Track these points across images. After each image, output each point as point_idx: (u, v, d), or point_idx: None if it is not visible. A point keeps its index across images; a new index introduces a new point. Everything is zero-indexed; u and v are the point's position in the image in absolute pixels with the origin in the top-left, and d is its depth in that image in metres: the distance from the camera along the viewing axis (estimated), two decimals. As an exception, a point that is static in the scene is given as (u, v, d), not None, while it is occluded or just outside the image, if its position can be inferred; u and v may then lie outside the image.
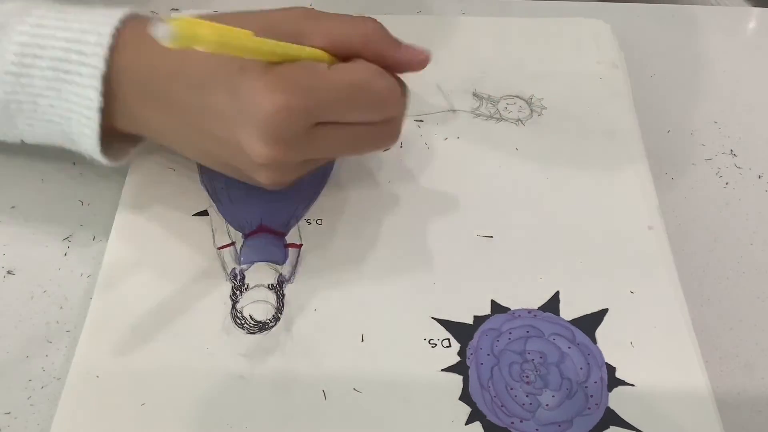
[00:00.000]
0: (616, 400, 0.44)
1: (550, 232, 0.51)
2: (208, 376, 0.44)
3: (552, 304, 0.48)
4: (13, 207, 0.53)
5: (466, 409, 0.43)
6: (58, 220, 0.52)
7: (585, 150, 0.56)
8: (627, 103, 0.59)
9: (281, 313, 0.47)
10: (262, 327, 0.46)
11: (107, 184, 0.54)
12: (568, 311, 0.47)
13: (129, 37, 0.46)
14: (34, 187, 0.54)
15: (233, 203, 0.52)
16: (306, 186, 0.53)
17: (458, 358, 0.45)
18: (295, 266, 0.49)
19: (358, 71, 0.44)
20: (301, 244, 0.50)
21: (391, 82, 0.46)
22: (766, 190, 0.56)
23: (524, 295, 0.48)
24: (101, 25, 0.46)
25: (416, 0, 0.68)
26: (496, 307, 0.47)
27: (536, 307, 0.48)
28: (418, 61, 0.47)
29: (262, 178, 0.46)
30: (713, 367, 0.46)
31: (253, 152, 0.44)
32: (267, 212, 0.51)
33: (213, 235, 0.50)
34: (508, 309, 0.47)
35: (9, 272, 0.50)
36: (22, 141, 0.51)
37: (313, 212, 0.52)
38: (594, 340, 0.46)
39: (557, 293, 0.48)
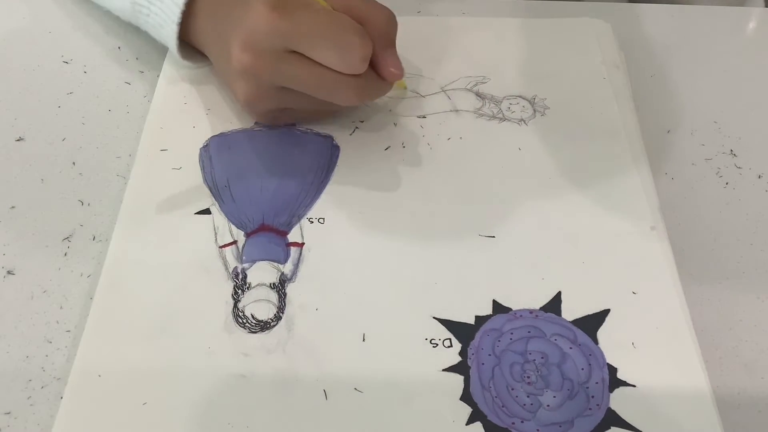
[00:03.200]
0: (618, 400, 0.44)
1: (552, 232, 0.51)
2: (209, 376, 0.44)
3: (554, 305, 0.47)
4: (13, 207, 0.53)
5: (467, 409, 0.43)
6: (58, 220, 0.52)
7: (587, 150, 0.56)
8: (628, 104, 0.59)
9: (283, 313, 0.47)
10: (263, 326, 0.46)
11: (107, 184, 0.54)
12: (570, 312, 0.47)
13: None
14: (34, 187, 0.54)
15: (235, 202, 0.52)
16: (308, 185, 0.53)
17: (459, 358, 0.45)
18: (296, 265, 0.49)
19: (344, 20, 0.50)
20: (303, 243, 0.50)
21: (366, 43, 0.49)
22: (766, 190, 0.56)
23: (526, 296, 0.48)
24: None
25: (416, 0, 0.68)
26: (498, 307, 0.47)
27: (538, 308, 0.47)
28: (390, 72, 0.52)
29: (238, 89, 0.53)
30: (713, 367, 0.46)
31: (233, 55, 0.51)
32: (269, 211, 0.51)
33: (215, 233, 0.50)
34: (510, 309, 0.47)
35: (9, 272, 0.50)
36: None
37: (315, 211, 0.52)
38: (595, 341, 0.46)
39: (559, 293, 0.48)
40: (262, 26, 0.49)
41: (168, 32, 0.57)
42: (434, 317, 0.47)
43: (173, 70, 0.61)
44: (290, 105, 0.54)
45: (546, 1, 0.68)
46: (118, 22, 0.65)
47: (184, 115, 0.58)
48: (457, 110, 0.59)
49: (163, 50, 0.62)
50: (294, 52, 0.49)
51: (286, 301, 0.47)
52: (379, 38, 0.51)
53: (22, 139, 0.57)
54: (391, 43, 0.52)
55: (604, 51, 0.62)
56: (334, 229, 0.51)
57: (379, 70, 0.52)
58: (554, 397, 0.44)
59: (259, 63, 0.50)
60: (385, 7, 0.53)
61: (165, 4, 0.56)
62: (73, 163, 0.55)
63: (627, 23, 0.66)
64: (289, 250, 0.50)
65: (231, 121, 0.57)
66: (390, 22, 0.52)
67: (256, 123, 0.56)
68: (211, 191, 0.53)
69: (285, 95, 0.52)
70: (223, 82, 0.59)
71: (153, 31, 0.59)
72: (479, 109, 0.58)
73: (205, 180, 0.53)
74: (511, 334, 0.46)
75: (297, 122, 0.57)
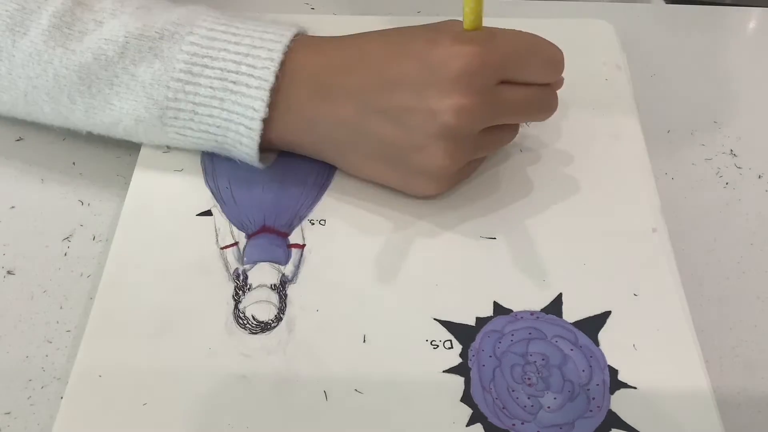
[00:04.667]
0: (619, 402, 0.44)
1: (553, 233, 0.51)
2: (209, 376, 0.44)
3: (555, 306, 0.47)
4: (12, 207, 0.53)
5: (468, 411, 0.43)
6: (58, 220, 0.52)
7: (589, 152, 0.56)
8: (630, 105, 0.59)
9: (283, 314, 0.47)
10: (264, 327, 0.46)
11: (107, 184, 0.54)
12: (571, 313, 0.47)
13: (298, 47, 0.50)
14: (34, 187, 0.54)
15: (237, 203, 0.52)
16: (309, 186, 0.53)
17: (460, 360, 0.45)
18: (297, 266, 0.49)
19: (529, 34, 0.49)
20: (304, 245, 0.50)
21: (556, 46, 0.49)
22: (766, 190, 0.56)
23: (527, 297, 0.48)
24: (272, 42, 0.49)
25: (416, 0, 0.68)
26: (499, 309, 0.47)
27: (539, 309, 0.47)
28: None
29: (435, 154, 0.48)
30: (713, 367, 0.46)
31: (444, 105, 0.46)
32: (270, 212, 0.51)
33: (216, 234, 0.50)
34: (511, 311, 0.47)
35: (9, 272, 0.50)
36: (167, 146, 0.54)
37: (316, 213, 0.52)
38: (597, 343, 0.46)
39: (560, 295, 0.48)
40: (473, 64, 0.46)
41: (237, 135, 0.50)
42: (435, 318, 0.47)
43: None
44: (487, 148, 0.52)
45: (547, 1, 0.68)
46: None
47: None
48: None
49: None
50: (503, 81, 0.48)
51: (287, 302, 0.47)
52: None
53: (22, 139, 0.57)
54: None
55: (607, 52, 0.62)
56: (335, 230, 0.51)
57: None
58: (555, 398, 0.44)
59: (480, 103, 0.47)
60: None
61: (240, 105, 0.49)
62: (73, 163, 0.55)
63: (627, 23, 0.66)
64: (290, 251, 0.50)
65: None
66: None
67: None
68: (212, 193, 0.52)
69: (485, 138, 0.50)
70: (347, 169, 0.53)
71: (192, 137, 0.52)
72: None
73: (207, 181, 0.53)
74: (512, 335, 0.46)
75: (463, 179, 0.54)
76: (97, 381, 0.44)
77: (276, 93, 0.48)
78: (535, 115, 0.52)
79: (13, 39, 0.49)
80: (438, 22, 0.50)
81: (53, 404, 0.44)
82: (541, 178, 0.54)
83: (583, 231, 0.51)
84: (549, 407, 0.44)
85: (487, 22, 0.49)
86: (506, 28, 0.49)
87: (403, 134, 0.48)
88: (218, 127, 0.50)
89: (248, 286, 0.48)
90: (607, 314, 0.47)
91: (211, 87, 0.49)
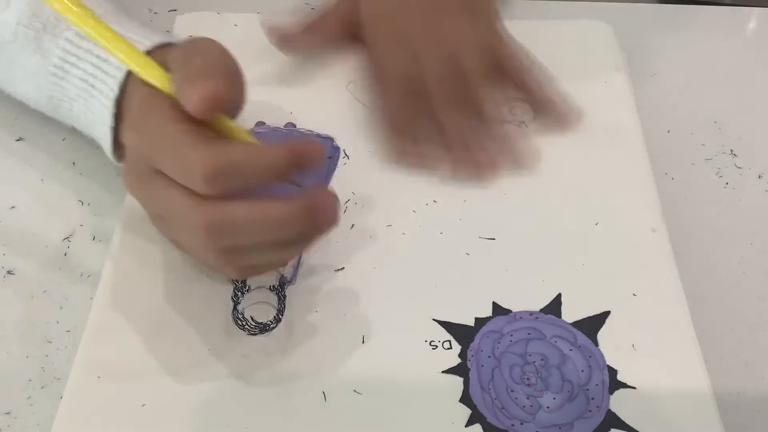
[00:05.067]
0: (618, 402, 0.44)
1: (552, 234, 0.51)
2: (208, 377, 0.44)
3: (554, 306, 0.47)
4: (13, 207, 0.53)
5: (467, 411, 0.43)
6: (58, 220, 0.53)
7: (589, 152, 0.56)
8: (630, 106, 0.59)
9: (282, 315, 0.47)
10: (263, 328, 0.46)
11: (107, 184, 0.54)
12: (570, 313, 0.47)
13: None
14: (34, 187, 0.54)
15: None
16: (308, 186, 0.52)
17: (459, 360, 0.45)
18: (296, 268, 0.49)
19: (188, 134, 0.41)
20: (303, 246, 0.50)
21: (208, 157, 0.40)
22: (766, 190, 0.56)
23: (526, 297, 0.48)
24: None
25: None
26: (498, 309, 0.47)
27: (538, 309, 0.47)
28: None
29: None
30: (713, 367, 0.46)
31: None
32: (268, 213, 0.51)
33: (215, 235, 0.50)
34: (510, 311, 0.47)
35: (9, 272, 0.50)
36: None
37: (314, 213, 0.51)
38: (596, 343, 0.46)
39: (559, 295, 0.48)
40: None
41: (99, 134, 0.49)
42: (434, 319, 0.47)
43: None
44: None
45: (547, 2, 0.68)
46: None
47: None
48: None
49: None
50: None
51: (286, 303, 0.47)
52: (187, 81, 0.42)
53: (22, 139, 0.57)
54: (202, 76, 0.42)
55: (606, 53, 0.62)
56: (333, 231, 0.50)
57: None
58: (554, 398, 0.44)
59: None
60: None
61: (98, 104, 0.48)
62: (73, 163, 0.55)
63: (627, 23, 0.66)
64: (289, 252, 0.49)
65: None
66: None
67: (256, 125, 0.56)
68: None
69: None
70: None
71: (78, 125, 0.52)
72: None
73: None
74: (511, 335, 0.46)
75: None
76: (96, 382, 0.44)
77: (124, 103, 0.46)
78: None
79: None
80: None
81: (53, 404, 0.44)
82: (542, 178, 0.54)
83: (582, 231, 0.51)
84: (548, 407, 0.44)
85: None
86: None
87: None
88: (90, 125, 0.50)
89: (247, 288, 0.48)
90: (606, 314, 0.47)
91: (76, 86, 0.49)
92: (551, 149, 0.56)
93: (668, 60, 0.65)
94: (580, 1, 0.69)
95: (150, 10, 0.67)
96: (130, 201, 0.51)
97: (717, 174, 0.57)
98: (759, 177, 0.57)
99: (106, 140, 0.48)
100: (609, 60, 0.62)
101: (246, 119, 0.57)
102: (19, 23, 0.50)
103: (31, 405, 0.44)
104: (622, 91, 0.60)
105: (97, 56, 0.48)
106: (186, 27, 0.62)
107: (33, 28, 0.49)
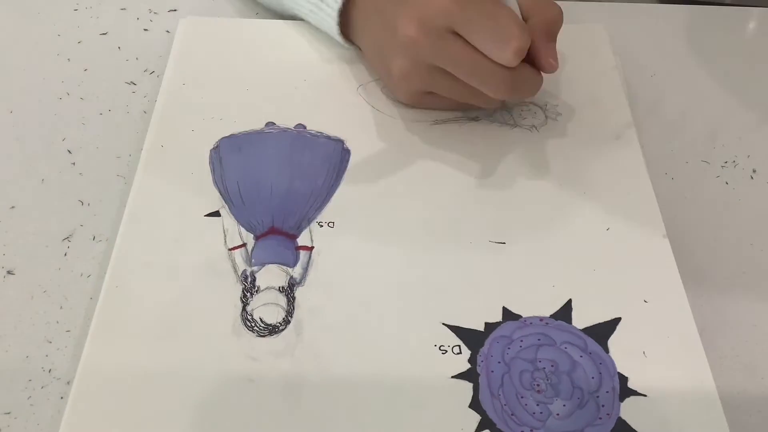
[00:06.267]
0: (628, 410, 0.43)
1: (562, 239, 0.51)
2: (216, 379, 0.44)
3: (564, 312, 0.47)
4: (12, 207, 0.52)
5: (476, 417, 0.43)
6: (58, 220, 0.52)
7: (598, 157, 0.56)
8: (623, 107, 0.59)
9: (291, 316, 0.46)
10: (272, 330, 0.45)
11: (107, 184, 0.54)
12: (581, 320, 0.47)
13: None
14: (34, 187, 0.54)
15: (245, 204, 0.51)
16: (318, 188, 0.52)
17: (469, 365, 0.45)
18: (306, 269, 0.48)
19: (507, 12, 0.50)
20: (313, 247, 0.49)
21: (523, 37, 0.50)
22: (766, 191, 0.56)
23: (536, 303, 0.48)
24: None
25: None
26: (508, 314, 0.47)
27: (548, 315, 0.47)
28: (549, 63, 0.53)
29: (395, 63, 0.54)
30: (713, 367, 0.45)
31: (399, 27, 0.52)
32: (278, 214, 0.51)
33: (224, 236, 0.50)
34: (520, 316, 0.47)
35: (9, 272, 0.49)
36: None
37: (324, 215, 0.51)
38: (606, 350, 0.46)
39: (570, 301, 0.48)
40: (434, 3, 0.51)
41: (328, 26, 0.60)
42: (443, 323, 0.46)
43: (179, 70, 0.60)
44: (441, 90, 0.55)
45: None
46: (118, 22, 0.65)
47: (191, 115, 0.57)
48: (469, 117, 0.58)
49: (164, 50, 0.62)
50: (457, 34, 0.51)
51: (295, 304, 0.47)
52: (543, 32, 0.52)
53: (22, 138, 0.56)
54: (553, 38, 0.53)
55: (600, 56, 0.62)
56: (343, 233, 0.50)
57: (538, 60, 0.53)
58: (564, 405, 0.44)
59: (423, 37, 0.51)
60: (554, 3, 0.54)
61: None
62: (73, 163, 0.55)
63: (627, 23, 0.67)
64: (299, 253, 0.49)
65: (241, 122, 0.56)
66: (556, 18, 0.53)
67: (266, 125, 0.56)
68: (220, 193, 0.52)
69: (438, 78, 0.54)
70: (368, 62, 0.61)
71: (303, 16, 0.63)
72: (491, 115, 0.58)
73: (215, 182, 0.53)
74: (521, 341, 0.46)
75: (439, 109, 0.58)
76: (103, 383, 0.43)
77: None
78: (482, 83, 0.52)
79: None
80: None
81: (53, 404, 0.43)
82: (552, 182, 0.54)
83: (593, 237, 0.51)
84: (558, 414, 0.43)
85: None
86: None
87: (389, 39, 0.54)
88: (317, 21, 0.61)
89: (256, 288, 0.47)
90: (617, 321, 0.47)
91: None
92: (563, 154, 0.56)
93: (668, 60, 0.65)
94: (580, 1, 0.69)
95: (150, 10, 0.66)
96: (133, 200, 0.51)
97: (717, 174, 0.57)
98: (759, 177, 0.57)
99: (333, 31, 0.60)
100: (607, 63, 0.62)
101: (256, 120, 0.57)
102: None
103: (31, 405, 0.44)
104: (616, 92, 0.60)
105: None
106: (189, 31, 0.62)
107: None
